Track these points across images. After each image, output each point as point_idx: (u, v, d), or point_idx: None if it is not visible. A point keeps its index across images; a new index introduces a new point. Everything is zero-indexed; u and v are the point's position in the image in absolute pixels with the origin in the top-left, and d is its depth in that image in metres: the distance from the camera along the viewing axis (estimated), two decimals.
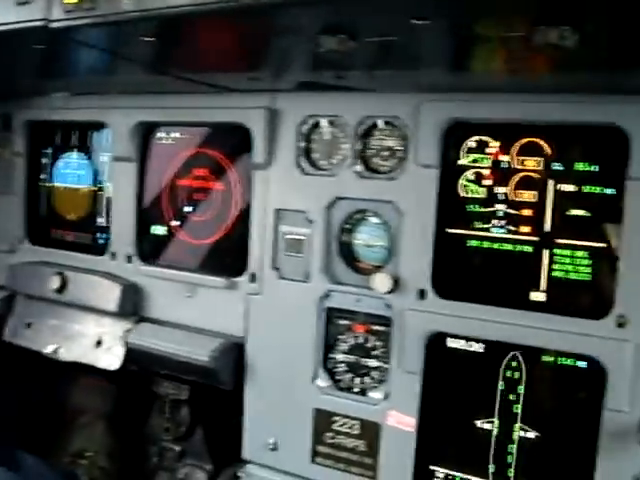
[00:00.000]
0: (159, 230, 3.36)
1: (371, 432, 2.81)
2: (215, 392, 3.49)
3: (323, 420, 2.90)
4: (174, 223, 3.31)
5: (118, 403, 4.20)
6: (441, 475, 2.73)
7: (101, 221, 3.54)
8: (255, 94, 2.97)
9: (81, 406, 4.23)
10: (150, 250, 3.39)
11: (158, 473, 3.97)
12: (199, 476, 3.81)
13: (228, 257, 3.15)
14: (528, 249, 2.57)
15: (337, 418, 2.87)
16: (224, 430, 3.64)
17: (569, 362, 2.53)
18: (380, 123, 2.76)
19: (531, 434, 2.59)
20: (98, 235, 3.56)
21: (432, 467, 2.74)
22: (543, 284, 2.55)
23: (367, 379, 2.84)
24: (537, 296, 2.57)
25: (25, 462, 2.99)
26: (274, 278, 2.96)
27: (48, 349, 3.46)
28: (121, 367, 3.31)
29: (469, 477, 2.69)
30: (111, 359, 3.26)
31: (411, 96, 2.67)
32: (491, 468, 2.65)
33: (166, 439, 3.89)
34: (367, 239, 2.83)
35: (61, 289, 3.44)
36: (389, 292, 2.67)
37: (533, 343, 2.51)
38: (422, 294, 2.66)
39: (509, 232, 2.60)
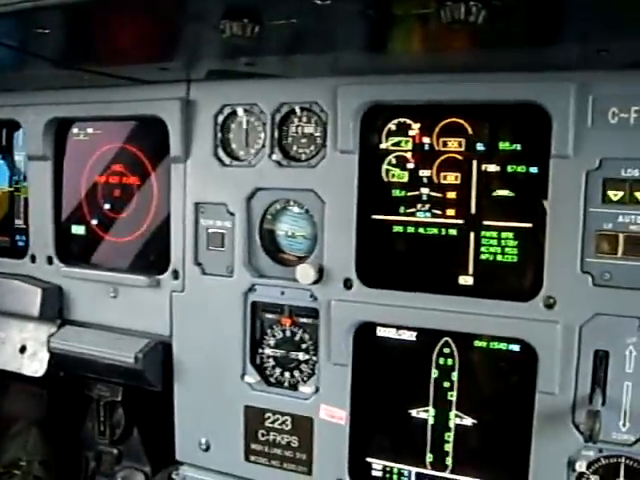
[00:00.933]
0: (79, 230, 3.24)
1: (304, 427, 2.74)
2: (149, 392, 3.40)
3: (254, 417, 2.83)
4: (94, 222, 3.20)
5: (51, 409, 4.08)
6: (378, 467, 2.69)
7: (19, 223, 3.41)
8: (169, 85, 2.87)
9: (12, 414, 4.11)
10: (71, 251, 3.28)
11: (96, 478, 3.86)
12: (138, 478, 3.72)
13: (151, 255, 3.06)
14: (454, 233, 2.51)
15: (268, 414, 2.81)
16: (160, 430, 3.54)
17: (501, 346, 2.49)
18: (297, 109, 2.68)
19: (467, 421, 2.55)
20: (17, 237, 3.43)
21: (369, 459, 2.70)
22: (471, 268, 2.50)
23: (297, 373, 2.77)
24: (465, 280, 2.51)
25: None
26: (197, 274, 2.87)
27: None
28: (48, 373, 3.17)
29: (407, 467, 2.64)
30: (36, 365, 3.15)
31: (328, 80, 2.59)
32: (429, 457, 2.61)
33: (102, 442, 3.79)
34: (289, 229, 2.76)
35: None
36: (314, 283, 2.60)
37: (464, 329, 2.46)
38: (348, 284, 2.59)
39: (434, 216, 2.54)
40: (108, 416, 3.72)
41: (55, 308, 3.22)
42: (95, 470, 3.82)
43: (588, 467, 2.38)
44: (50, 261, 3.25)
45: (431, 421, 2.58)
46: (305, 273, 2.59)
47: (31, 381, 3.68)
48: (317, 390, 2.71)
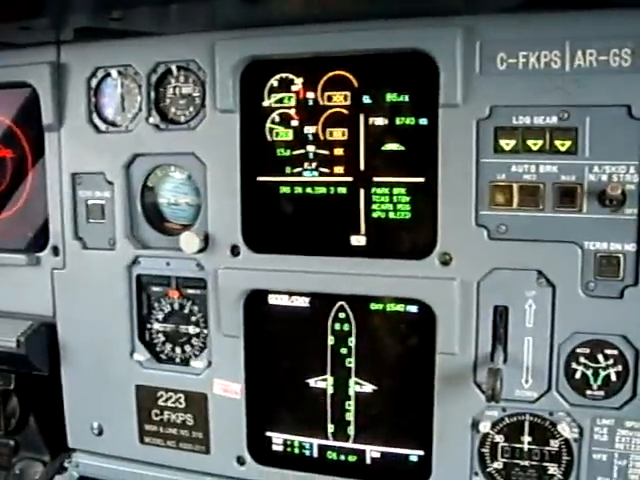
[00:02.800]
0: None
1: (198, 404, 2.62)
2: (43, 377, 3.23)
3: (147, 397, 2.70)
4: None
5: None
6: (279, 441, 2.59)
7: None
8: (38, 48, 2.68)
9: None
10: None
11: None
12: (37, 469, 3.55)
13: (28, 231, 2.86)
14: (343, 191, 2.40)
15: (161, 393, 2.68)
16: (57, 416, 3.38)
17: (399, 308, 2.40)
18: (174, 69, 2.53)
19: (367, 387, 2.46)
20: None
21: (268, 433, 2.59)
22: (363, 227, 2.40)
23: (188, 348, 2.65)
24: (358, 240, 2.41)
25: None
26: (78, 249, 2.71)
27: None
28: None
29: (308, 439, 2.55)
30: None
31: (205, 36, 2.44)
32: (330, 428, 2.52)
33: None
34: (172, 197, 2.61)
35: None
36: (199, 252, 2.48)
37: (359, 291, 2.35)
38: (234, 250, 2.47)
39: (322, 174, 2.42)
40: (1, 406, 3.53)
41: None
42: None
43: (492, 427, 2.32)
44: None
45: (330, 390, 2.49)
46: (189, 241, 2.46)
47: None
48: (209, 364, 2.58)
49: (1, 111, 2.87)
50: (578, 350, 2.22)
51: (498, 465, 2.35)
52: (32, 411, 3.39)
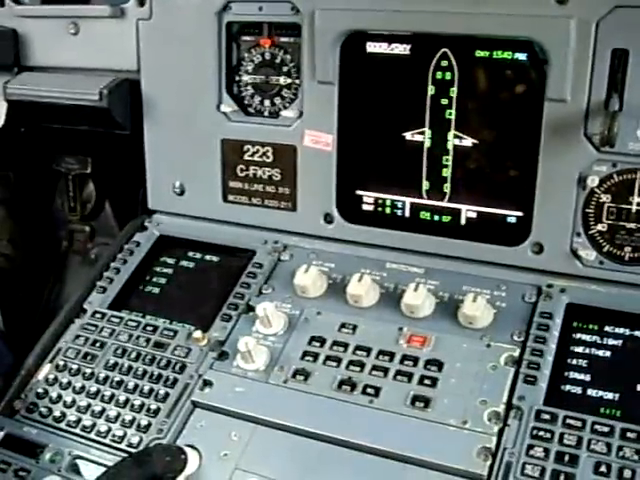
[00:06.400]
0: None
1: (287, 157, 2.52)
2: (118, 162, 3.18)
3: (232, 151, 2.60)
4: None
5: (17, 188, 3.88)
6: (369, 200, 2.48)
7: None
8: None
9: None
10: None
11: (68, 256, 3.69)
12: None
13: None
14: None
15: (248, 146, 2.57)
16: (133, 202, 3.36)
17: (506, 55, 2.22)
18: None
19: (467, 141, 2.32)
20: None
21: (359, 192, 2.48)
22: None
23: (278, 100, 2.54)
24: None
25: None
26: None
27: None
28: (7, 125, 2.91)
29: (401, 198, 2.43)
30: None
31: None
32: (425, 185, 2.40)
33: (73, 220, 3.60)
34: None
35: None
36: None
37: (464, 30, 2.20)
38: None
39: None
40: (78, 191, 3.52)
41: (10, 53, 2.92)
42: (67, 248, 3.62)
43: (600, 185, 2.17)
44: (2, 3, 2.93)
45: (427, 144, 2.36)
46: None
47: None
48: (300, 115, 2.46)
49: None
50: None
51: (602, 227, 2.21)
52: (108, 197, 3.37)
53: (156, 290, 2.56)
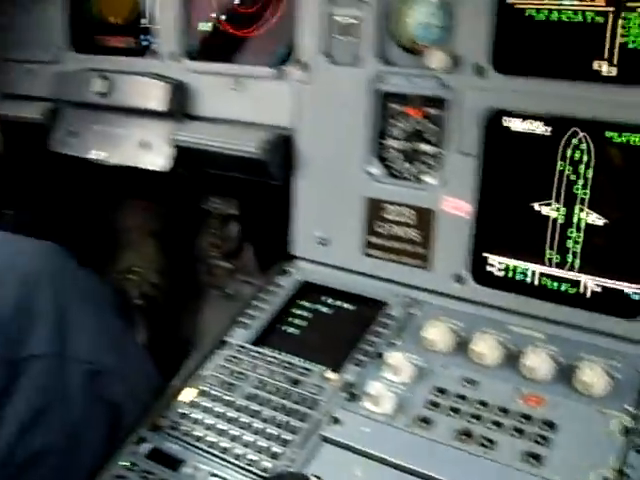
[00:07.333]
0: (206, 26, 3.23)
1: (425, 219, 2.70)
2: (263, 206, 3.42)
3: (375, 209, 2.80)
4: (222, 18, 3.18)
5: (167, 221, 4.17)
6: (496, 263, 2.63)
7: (145, 22, 3.38)
8: None
9: (128, 226, 4.22)
10: (195, 47, 3.27)
11: (208, 290, 3.95)
12: (249, 292, 3.77)
13: (277, 48, 3.02)
14: (599, 19, 2.36)
15: (389, 206, 2.77)
16: (274, 246, 3.58)
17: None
18: None
19: (598, 220, 2.45)
20: (142, 37, 3.42)
21: (489, 255, 2.64)
22: (614, 55, 2.36)
23: (421, 165, 2.72)
24: (609, 70, 2.37)
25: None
26: (324, 64, 2.82)
27: (93, 155, 3.38)
28: (170, 173, 3.24)
29: (529, 265, 2.58)
30: (159, 160, 3.18)
31: None
32: (553, 257, 2.54)
33: (215, 256, 3.85)
34: (423, 18, 2.64)
35: (106, 93, 3.33)
36: (445, 70, 2.53)
37: (601, 116, 2.34)
38: (480, 71, 2.51)
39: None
40: (222, 230, 3.76)
41: (180, 103, 3.22)
42: (207, 282, 3.87)
43: None
44: (175, 58, 3.24)
45: (557, 217, 2.51)
46: (437, 58, 2.53)
47: (149, 196, 3.75)
48: (441, 181, 2.65)
49: None
50: None
51: None
52: (250, 238, 3.60)
53: (294, 330, 2.74)
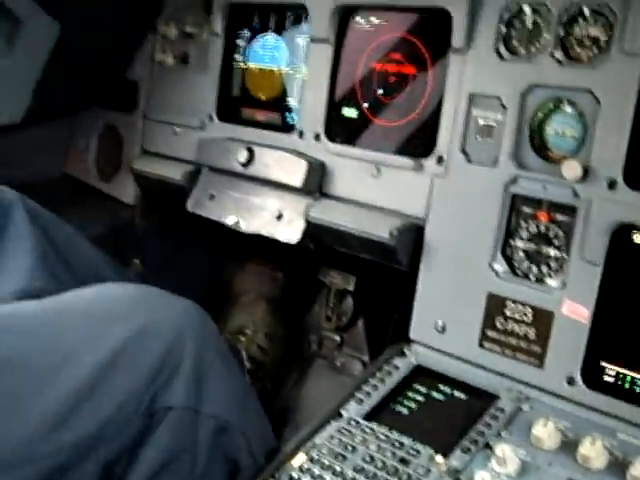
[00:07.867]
0: (350, 112, 3.40)
1: (543, 320, 2.79)
2: (381, 284, 3.55)
3: (495, 304, 2.90)
4: (365, 105, 3.34)
5: (283, 288, 4.32)
6: (612, 372, 2.69)
7: (291, 101, 3.60)
8: None
9: (245, 287, 4.38)
10: (338, 130, 3.44)
11: (316, 360, 4.06)
12: (356, 366, 3.90)
13: (417, 140, 3.17)
14: None
15: (510, 304, 2.87)
16: (385, 324, 3.70)
17: None
18: (586, 10, 2.70)
19: None
20: (287, 115, 3.62)
21: (603, 363, 2.70)
22: None
23: (545, 268, 2.82)
24: None
25: None
26: (461, 161, 2.96)
27: (229, 220, 3.56)
28: (295, 248, 3.41)
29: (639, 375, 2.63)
30: (291, 232, 3.32)
31: None
32: None
33: (327, 328, 3.98)
34: (560, 128, 2.78)
35: (248, 163, 3.52)
36: (578, 181, 2.63)
37: None
38: (612, 184, 2.61)
39: None
40: (337, 304, 3.89)
41: (316, 182, 3.38)
42: (316, 352, 4.00)
43: None
44: (318, 138, 3.42)
45: None
46: (572, 169, 2.64)
47: (269, 262, 3.92)
48: (563, 286, 2.74)
49: (412, 32, 3.19)
50: None
51: None
52: (363, 314, 3.73)
53: (405, 411, 2.83)
